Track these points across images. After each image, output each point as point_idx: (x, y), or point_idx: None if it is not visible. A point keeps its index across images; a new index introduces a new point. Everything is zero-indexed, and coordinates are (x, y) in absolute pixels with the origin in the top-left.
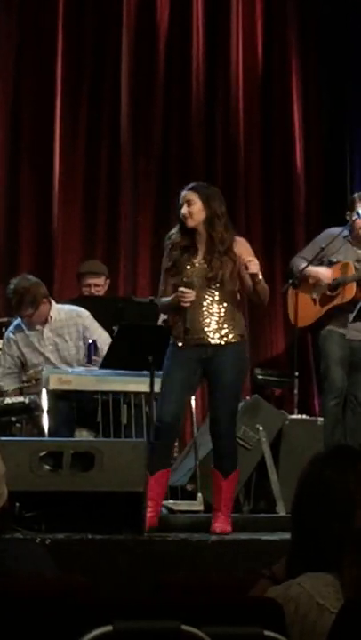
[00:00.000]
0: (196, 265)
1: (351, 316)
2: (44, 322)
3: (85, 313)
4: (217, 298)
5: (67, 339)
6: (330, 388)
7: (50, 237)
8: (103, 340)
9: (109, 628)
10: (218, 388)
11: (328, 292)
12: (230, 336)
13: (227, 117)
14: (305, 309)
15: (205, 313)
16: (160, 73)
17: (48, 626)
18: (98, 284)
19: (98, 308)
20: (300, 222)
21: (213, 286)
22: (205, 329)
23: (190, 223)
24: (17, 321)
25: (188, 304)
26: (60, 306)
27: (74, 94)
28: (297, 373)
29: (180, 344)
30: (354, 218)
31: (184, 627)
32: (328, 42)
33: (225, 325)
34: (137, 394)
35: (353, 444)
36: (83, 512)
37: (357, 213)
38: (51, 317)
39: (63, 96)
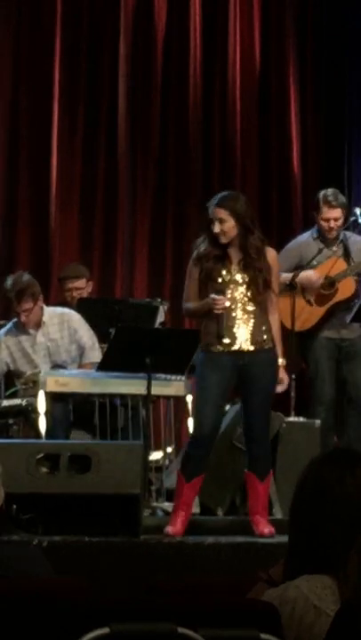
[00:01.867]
0: (231, 274)
1: (348, 318)
2: (37, 325)
3: (76, 315)
4: (250, 307)
5: (59, 343)
6: (319, 400)
7: (47, 242)
8: (90, 345)
9: (106, 630)
10: (253, 393)
11: (323, 291)
12: (264, 343)
13: (224, 119)
14: (303, 313)
15: (239, 322)
16: (158, 75)
17: (45, 628)
18: (79, 287)
19: (95, 310)
20: (298, 223)
21: (247, 295)
22: (240, 338)
23: (224, 241)
24: (9, 325)
25: (220, 311)
26: (50, 309)
27: (71, 97)
28: (294, 376)
29: (214, 350)
30: (352, 219)
31: (180, 629)
32: (326, 41)
33: (258, 333)
34: (134, 396)
35: (357, 446)
36: (79, 514)
37: (355, 215)
38: (44, 322)
39: (60, 99)
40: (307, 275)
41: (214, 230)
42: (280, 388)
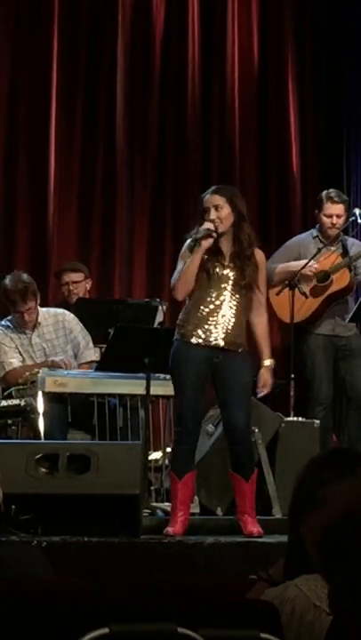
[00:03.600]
0: (223, 267)
1: (348, 317)
2: (33, 327)
3: (70, 315)
4: (234, 305)
5: (55, 343)
6: (317, 400)
7: (45, 242)
8: (85, 345)
9: (106, 630)
10: (233, 391)
11: (318, 284)
12: (238, 345)
13: (223, 118)
14: (300, 307)
15: (223, 317)
16: (156, 74)
17: (44, 628)
18: (76, 280)
19: (93, 310)
20: (297, 224)
21: (237, 292)
22: (221, 333)
23: (221, 229)
24: (2, 324)
25: (214, 235)
26: (44, 310)
27: (69, 96)
28: (293, 375)
29: (191, 341)
30: (351, 219)
31: (180, 629)
32: (325, 41)
33: (234, 334)
34: (133, 396)
35: (358, 444)
36: (79, 514)
37: (355, 215)
38: (39, 323)
39: (59, 98)
40: (298, 264)
41: (210, 217)
42: (264, 391)
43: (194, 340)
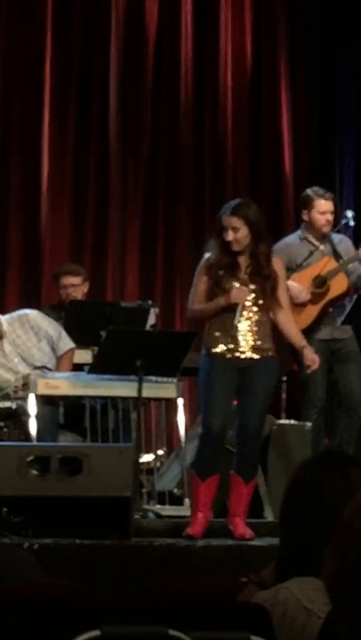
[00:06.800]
0: (240, 282)
1: (340, 320)
2: (0, 336)
3: (33, 313)
4: (257, 316)
5: (28, 345)
6: (311, 402)
7: (38, 244)
8: (57, 336)
9: (97, 632)
10: (251, 396)
11: (315, 290)
12: (266, 351)
13: (215, 119)
14: (297, 313)
15: (246, 330)
16: (149, 76)
17: (35, 631)
18: (74, 284)
19: (86, 312)
20: (289, 224)
21: (255, 305)
22: (244, 346)
23: (237, 248)
24: None
25: (242, 301)
26: (7, 316)
27: (62, 97)
28: (285, 378)
29: (218, 352)
30: (343, 222)
31: (171, 631)
32: (317, 43)
33: (262, 342)
34: (125, 398)
35: (349, 448)
36: (70, 517)
37: (346, 217)
38: (4, 332)
39: (51, 99)
40: (292, 286)
41: (227, 238)
42: (313, 367)
43: (220, 353)
